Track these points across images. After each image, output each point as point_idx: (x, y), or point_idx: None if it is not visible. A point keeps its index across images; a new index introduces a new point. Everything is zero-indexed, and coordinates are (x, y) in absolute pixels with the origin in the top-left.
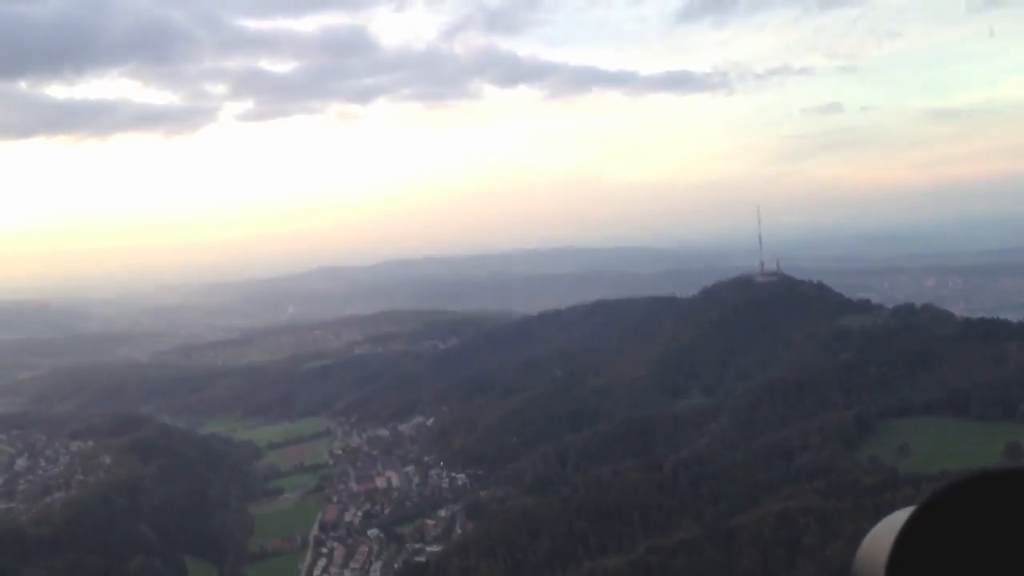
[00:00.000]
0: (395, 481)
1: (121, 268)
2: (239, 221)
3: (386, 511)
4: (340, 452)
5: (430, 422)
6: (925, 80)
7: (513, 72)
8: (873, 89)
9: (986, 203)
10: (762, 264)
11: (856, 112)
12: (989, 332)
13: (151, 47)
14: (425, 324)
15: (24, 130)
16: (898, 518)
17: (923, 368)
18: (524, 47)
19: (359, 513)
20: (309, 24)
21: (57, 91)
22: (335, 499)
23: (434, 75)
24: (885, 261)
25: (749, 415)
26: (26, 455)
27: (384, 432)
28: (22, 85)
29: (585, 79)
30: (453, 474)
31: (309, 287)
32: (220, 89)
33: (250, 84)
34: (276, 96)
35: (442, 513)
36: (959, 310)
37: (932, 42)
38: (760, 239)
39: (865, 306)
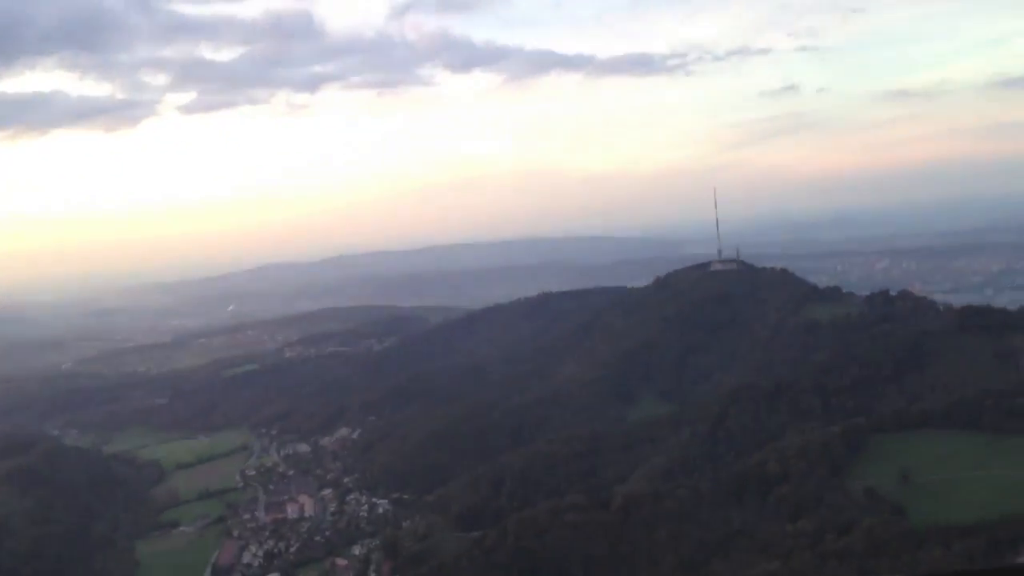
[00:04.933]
0: (309, 508)
1: (63, 270)
2: (185, 218)
3: (292, 548)
4: (253, 473)
5: (356, 435)
6: (882, 60)
7: (467, 57)
8: (831, 70)
9: (938, 185)
10: (720, 251)
11: (813, 94)
12: (987, 324)
13: (84, 35)
14: (365, 322)
15: None
16: None
17: (914, 368)
18: (479, 30)
19: (260, 552)
20: (252, 8)
21: None
22: (236, 533)
23: (385, 61)
24: (838, 244)
25: (714, 429)
26: None
27: (305, 447)
28: None
29: (542, 63)
30: (374, 499)
31: (254, 285)
32: (160, 80)
33: (192, 74)
34: (220, 86)
35: (356, 551)
36: (915, 291)
37: (892, 20)
38: (717, 225)
39: (835, 294)
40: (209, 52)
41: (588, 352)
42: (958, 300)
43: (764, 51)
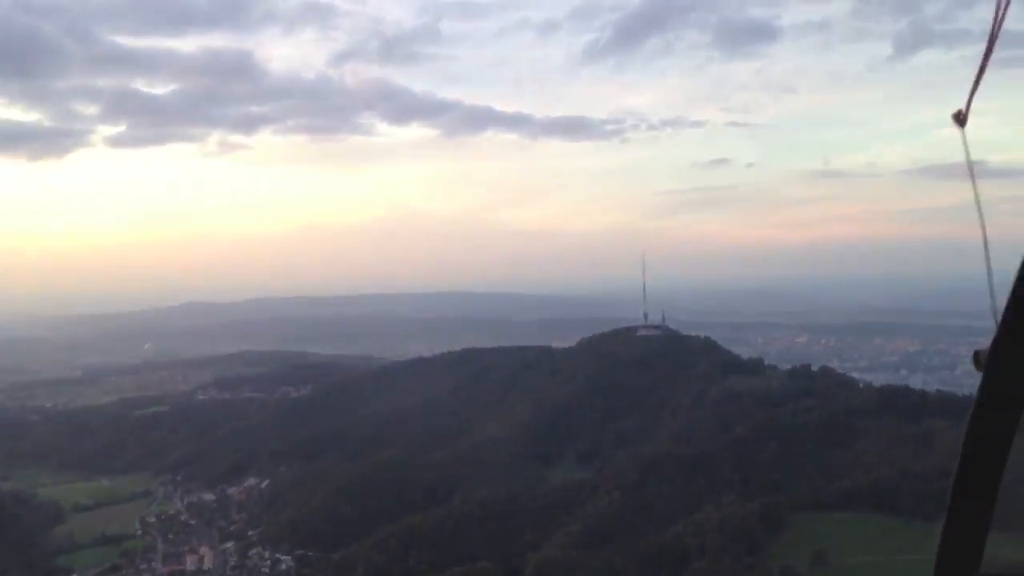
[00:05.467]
0: (208, 561)
1: None
2: (108, 251)
3: None
4: (153, 520)
5: (264, 485)
6: (810, 140)
7: (407, 108)
8: (761, 146)
9: (858, 264)
10: (646, 316)
11: (742, 168)
12: (909, 405)
13: (15, 59)
14: (283, 368)
15: None
16: None
17: (835, 447)
18: (420, 82)
19: None
20: (190, 44)
21: None
22: None
23: (323, 106)
24: (760, 316)
25: (631, 498)
26: None
27: (210, 496)
28: None
29: (481, 120)
30: (278, 555)
31: (175, 323)
32: (91, 110)
33: (124, 106)
34: (152, 120)
35: None
36: (835, 368)
37: (821, 103)
38: (645, 290)
39: (757, 367)
40: (143, 85)
41: (509, 411)
42: (874, 378)
43: (698, 123)
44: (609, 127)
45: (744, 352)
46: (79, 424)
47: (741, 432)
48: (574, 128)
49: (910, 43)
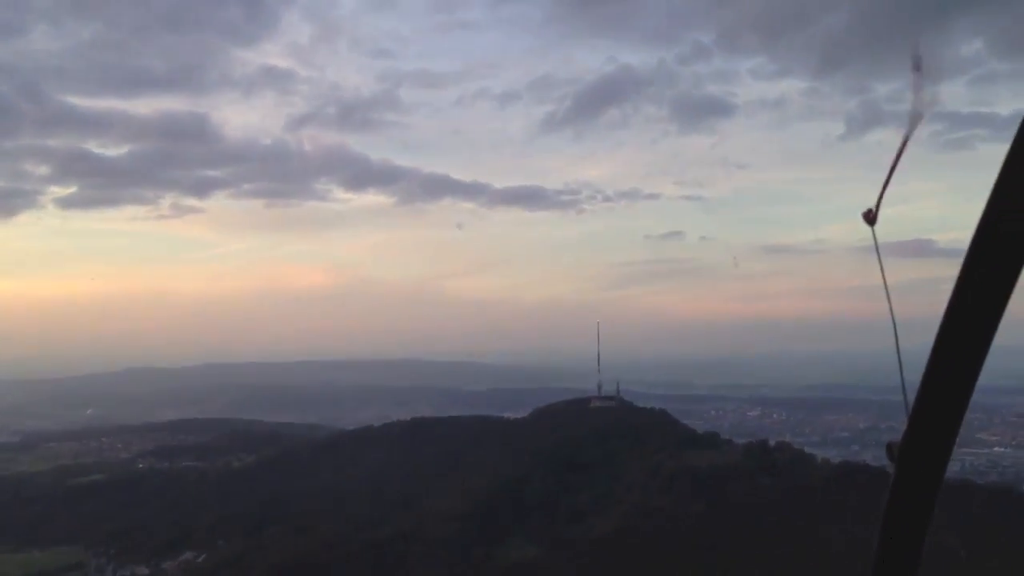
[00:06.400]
0: None
1: None
2: (54, 314)
3: None
4: None
5: (201, 559)
6: (762, 216)
7: (363, 174)
8: (714, 220)
9: (809, 339)
10: (600, 387)
11: (696, 241)
12: (867, 481)
13: None
14: (226, 436)
15: None
16: None
17: (795, 525)
18: (377, 149)
19: None
20: (145, 106)
21: None
22: None
23: (279, 171)
24: (712, 389)
25: None
26: None
27: (145, 570)
28: None
29: (437, 187)
30: None
31: (119, 388)
32: (42, 170)
33: (75, 167)
34: (104, 181)
35: None
36: (792, 444)
37: (773, 179)
38: (599, 360)
39: (712, 440)
40: (96, 146)
41: (458, 483)
42: (826, 454)
43: (653, 196)
44: (565, 197)
45: (697, 424)
46: (11, 492)
47: (699, 508)
48: (530, 198)
49: (861, 122)
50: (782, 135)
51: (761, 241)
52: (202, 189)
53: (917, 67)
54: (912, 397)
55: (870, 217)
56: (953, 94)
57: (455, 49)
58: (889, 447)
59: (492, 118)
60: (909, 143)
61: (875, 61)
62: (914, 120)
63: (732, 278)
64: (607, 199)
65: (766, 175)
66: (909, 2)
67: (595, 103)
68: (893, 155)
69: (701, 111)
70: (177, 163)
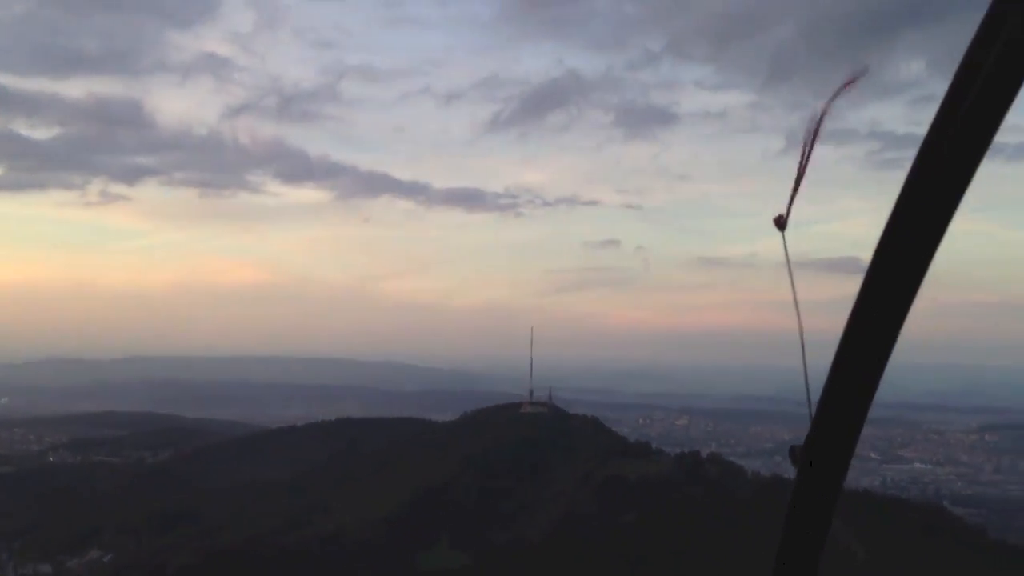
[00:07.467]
0: None
1: None
2: None
3: None
4: None
5: (107, 559)
6: (699, 228)
7: (301, 168)
8: (652, 230)
9: (738, 351)
10: (531, 392)
11: (632, 250)
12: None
13: None
14: (144, 431)
15: None
16: None
17: (729, 537)
18: (316, 143)
19: None
20: (76, 88)
21: None
22: None
23: (213, 161)
24: (642, 397)
25: None
26: None
27: (47, 568)
28: None
29: (377, 185)
30: None
31: (37, 378)
32: None
33: (2, 149)
34: (32, 165)
35: None
36: (708, 451)
37: (711, 192)
38: (531, 366)
39: (644, 450)
40: (24, 128)
41: (382, 486)
42: (751, 464)
43: (593, 203)
44: (505, 200)
45: (625, 432)
46: None
47: (629, 518)
48: (470, 199)
49: (800, 138)
50: (723, 147)
51: (697, 253)
52: (133, 176)
53: (848, 85)
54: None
55: (780, 222)
56: (892, 114)
57: (401, 44)
58: (792, 451)
59: (436, 117)
60: (812, 153)
61: (818, 77)
62: (810, 132)
63: (666, 289)
64: (547, 204)
65: (705, 187)
66: (855, 20)
67: (541, 106)
68: (799, 163)
69: (646, 119)
70: (108, 148)
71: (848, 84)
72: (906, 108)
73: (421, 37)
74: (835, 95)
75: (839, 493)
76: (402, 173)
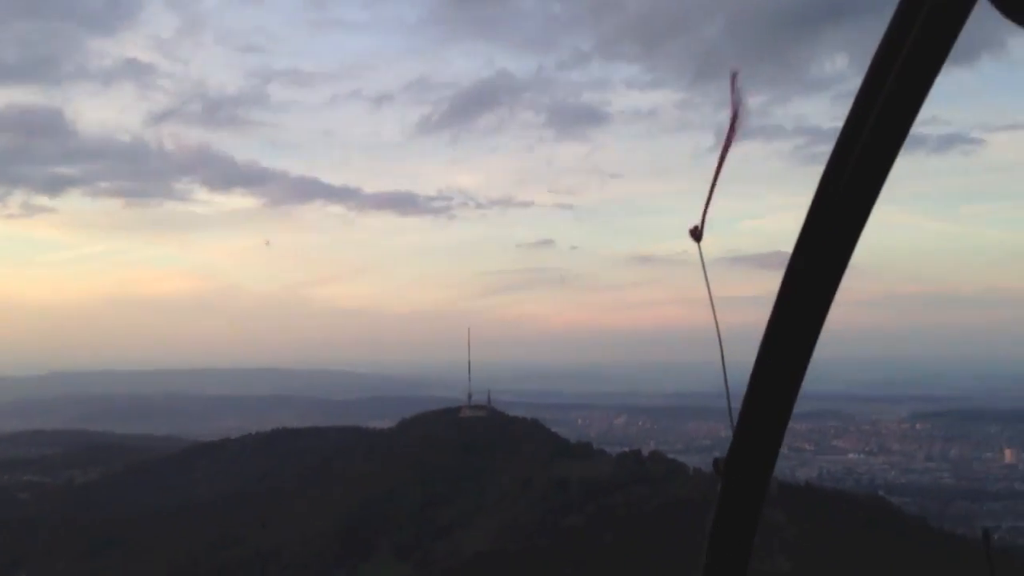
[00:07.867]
0: None
1: None
2: None
3: None
4: None
5: None
6: (631, 226)
7: (228, 175)
8: (585, 229)
9: (673, 348)
10: (470, 396)
11: (566, 250)
12: None
13: None
14: (72, 449)
15: None
16: None
17: (675, 537)
18: (244, 149)
19: None
20: None
21: None
22: None
23: (138, 170)
24: (580, 397)
25: None
26: None
27: None
28: None
29: (307, 191)
30: None
31: None
32: None
33: None
34: None
35: None
36: (647, 448)
37: (643, 190)
38: (470, 369)
39: (586, 451)
40: None
41: (320, 498)
42: (690, 461)
43: (526, 204)
44: (437, 203)
45: (565, 432)
46: None
47: (573, 522)
48: (402, 203)
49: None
50: (653, 145)
51: (630, 251)
52: (55, 187)
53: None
54: (737, 406)
55: (696, 234)
56: (817, 109)
57: (328, 48)
58: (716, 462)
59: (365, 120)
60: (727, 160)
61: (745, 74)
62: (728, 138)
63: (602, 288)
64: (480, 206)
65: (637, 185)
66: (780, 18)
67: (471, 107)
68: (712, 172)
69: (577, 119)
70: (28, 159)
71: (733, 122)
72: (831, 103)
73: (348, 40)
74: (731, 131)
75: (763, 501)
76: (332, 178)
